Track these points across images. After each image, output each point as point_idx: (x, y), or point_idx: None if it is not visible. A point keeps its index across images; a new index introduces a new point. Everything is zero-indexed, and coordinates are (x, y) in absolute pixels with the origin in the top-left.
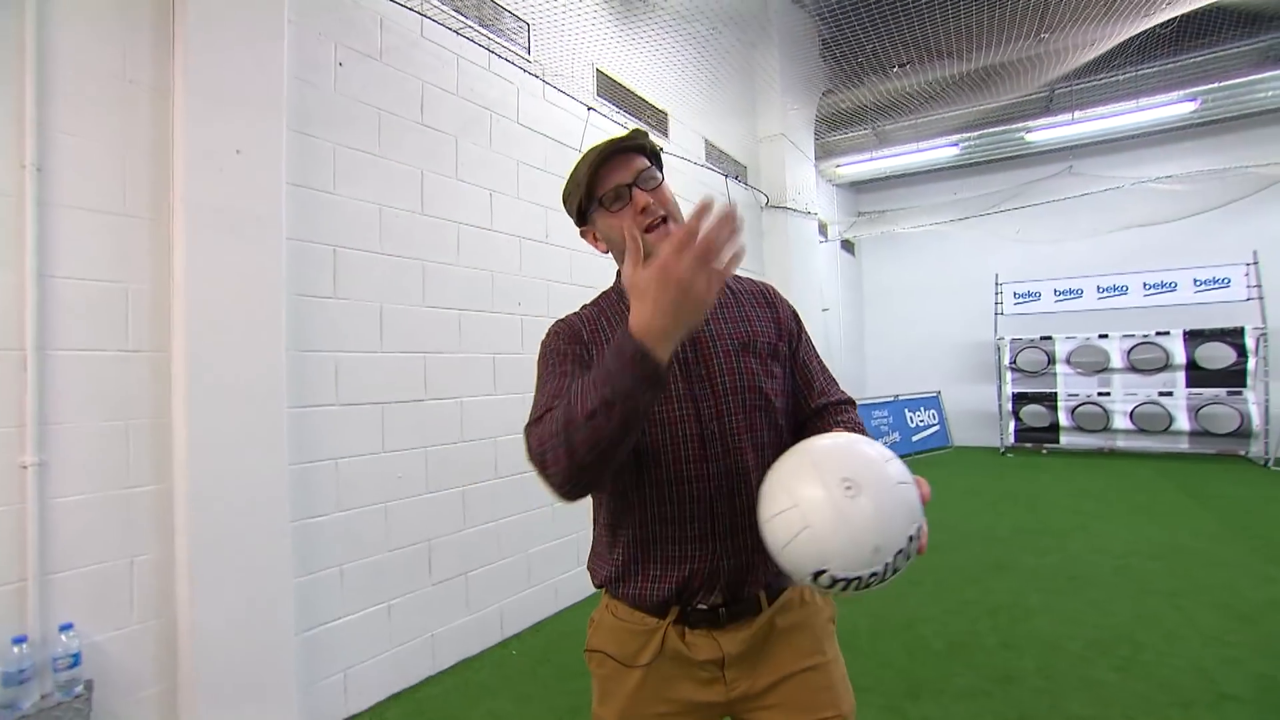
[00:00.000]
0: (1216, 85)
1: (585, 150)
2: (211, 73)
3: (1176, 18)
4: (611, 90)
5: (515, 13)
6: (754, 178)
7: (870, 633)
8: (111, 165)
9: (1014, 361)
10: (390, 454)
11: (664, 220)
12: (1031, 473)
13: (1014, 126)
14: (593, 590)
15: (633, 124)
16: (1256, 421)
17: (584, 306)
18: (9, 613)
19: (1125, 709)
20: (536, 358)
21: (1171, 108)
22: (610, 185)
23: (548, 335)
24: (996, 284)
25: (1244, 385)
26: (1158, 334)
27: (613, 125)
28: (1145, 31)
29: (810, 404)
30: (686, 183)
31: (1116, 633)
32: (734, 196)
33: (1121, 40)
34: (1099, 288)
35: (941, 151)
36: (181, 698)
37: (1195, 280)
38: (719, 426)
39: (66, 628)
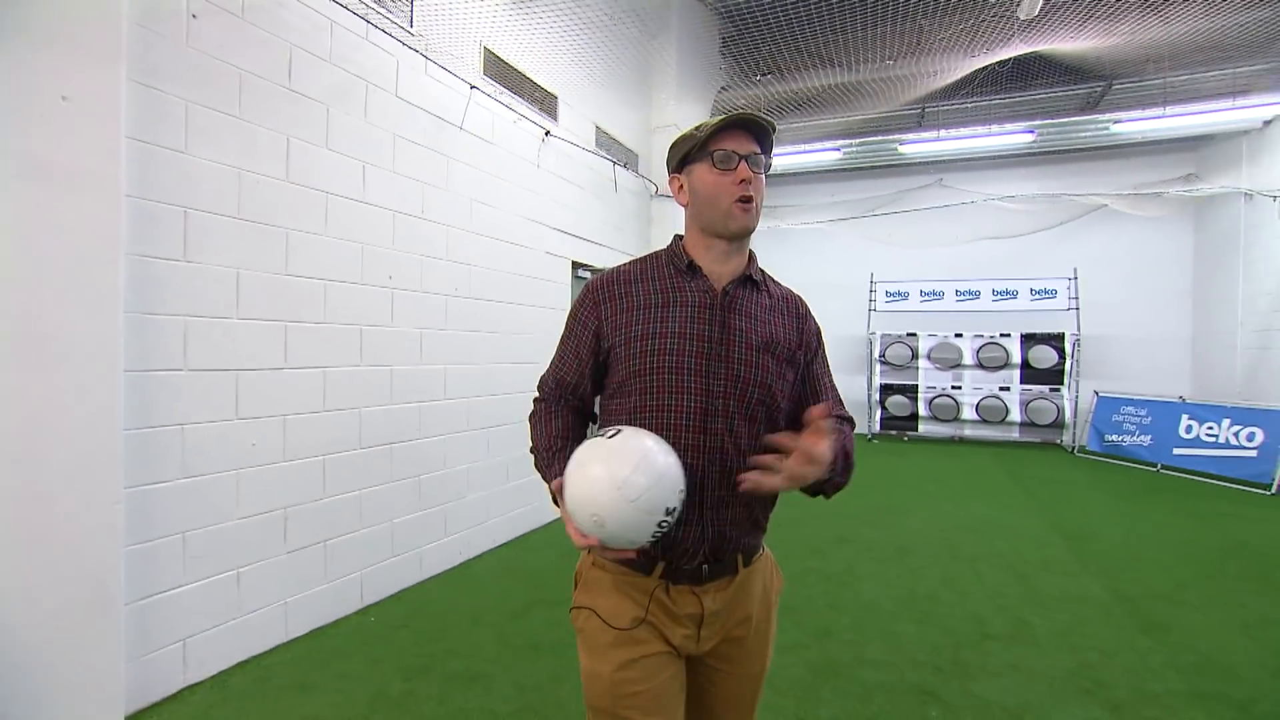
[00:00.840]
0: (1049, 121)
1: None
2: (33, 9)
3: (1012, 58)
4: (499, 70)
5: None
6: (645, 166)
7: None
8: None
9: (883, 355)
10: (245, 421)
11: (749, 201)
12: (891, 458)
13: (889, 138)
14: (460, 559)
15: (520, 105)
16: (1069, 414)
17: (633, 261)
18: None
19: (913, 653)
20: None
21: (1015, 136)
22: (728, 146)
23: (585, 288)
24: (871, 282)
25: (1062, 383)
26: (1001, 335)
27: (498, 105)
28: (989, 66)
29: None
30: (574, 167)
31: (923, 592)
32: (621, 183)
33: (970, 71)
34: (957, 291)
35: (825, 155)
36: None
37: (1031, 290)
38: (723, 407)
39: None
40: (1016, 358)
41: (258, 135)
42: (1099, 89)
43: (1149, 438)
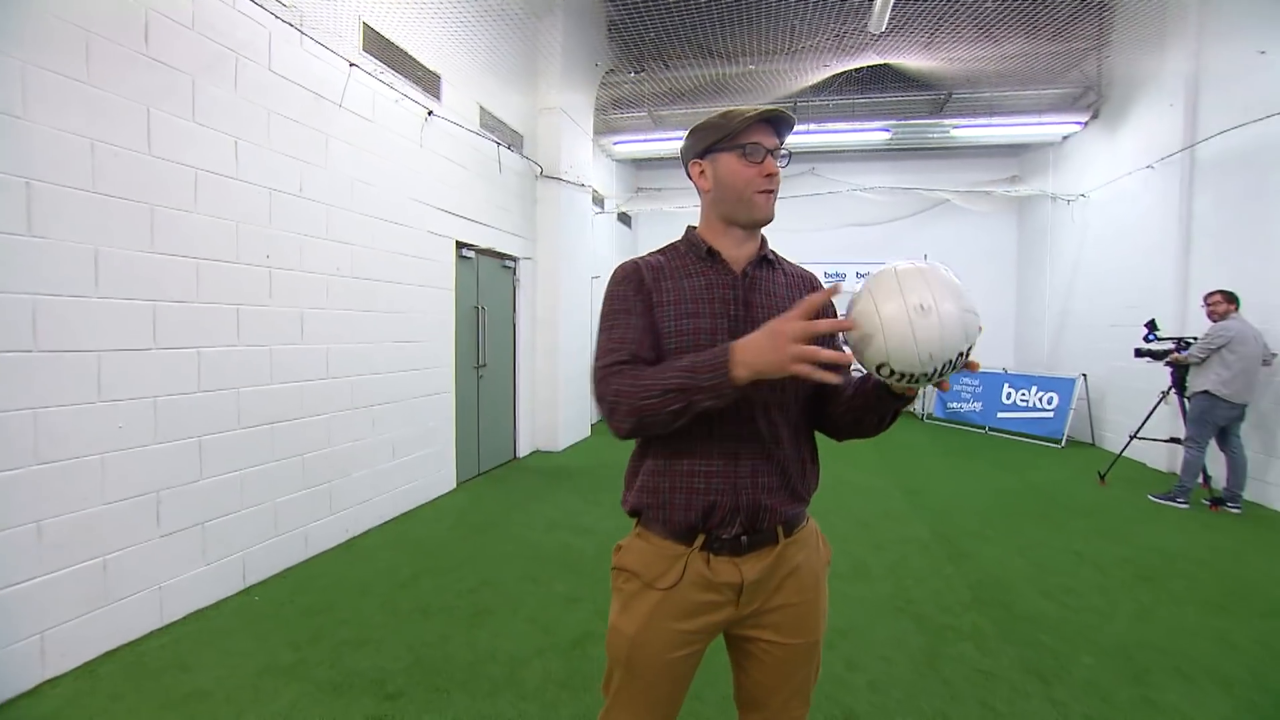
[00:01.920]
0: (902, 122)
1: (735, 107)
2: None
3: (867, 66)
4: (379, 46)
5: None
6: (530, 147)
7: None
8: None
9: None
10: (108, 404)
11: (771, 192)
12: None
13: None
14: (346, 537)
15: (402, 84)
16: None
17: (651, 253)
18: None
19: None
20: (603, 298)
21: (874, 134)
22: (757, 139)
23: (612, 280)
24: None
25: None
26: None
27: (379, 84)
28: (848, 71)
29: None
30: (458, 147)
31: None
32: (506, 164)
33: (833, 73)
34: (826, 274)
35: None
36: None
37: None
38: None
39: None
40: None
41: (111, 104)
42: (943, 96)
43: (980, 404)
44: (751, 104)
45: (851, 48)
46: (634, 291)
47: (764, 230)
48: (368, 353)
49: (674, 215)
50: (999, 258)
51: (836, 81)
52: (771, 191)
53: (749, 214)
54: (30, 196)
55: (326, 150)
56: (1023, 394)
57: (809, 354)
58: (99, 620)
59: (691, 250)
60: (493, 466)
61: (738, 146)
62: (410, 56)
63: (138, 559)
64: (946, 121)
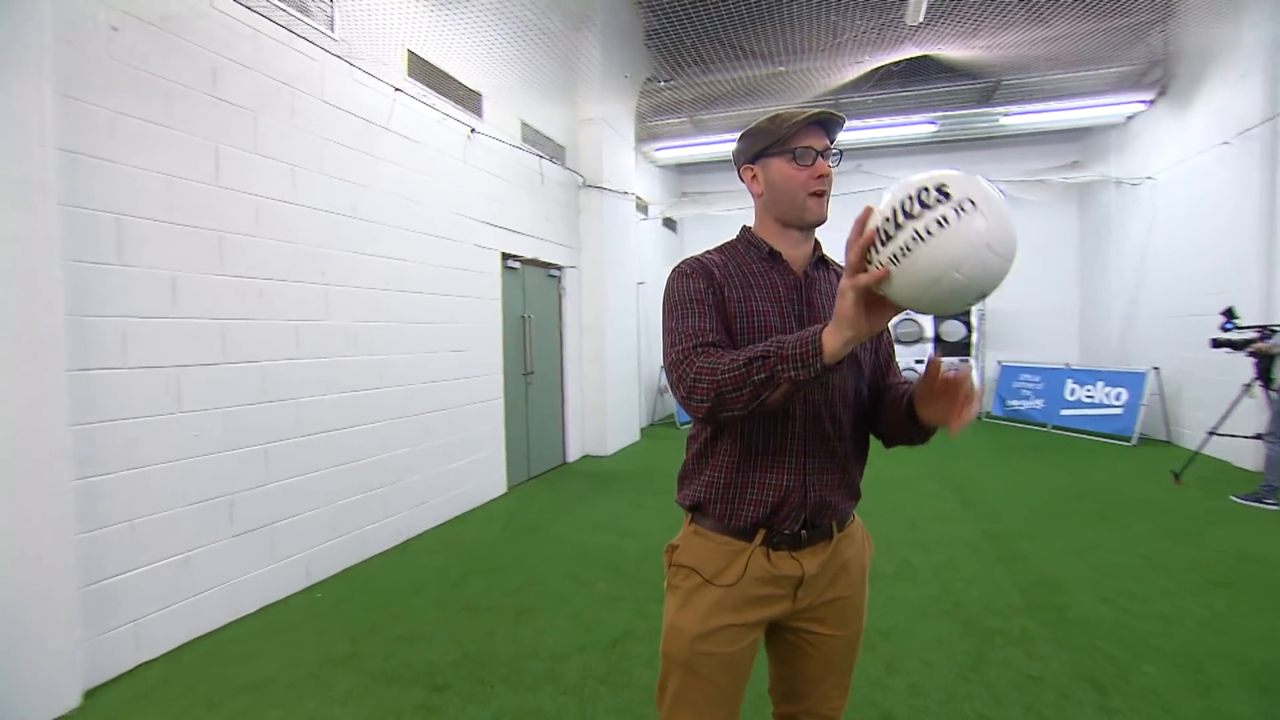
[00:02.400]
0: (949, 113)
1: (784, 110)
2: None
3: (905, 59)
4: (423, 70)
5: None
6: (572, 158)
7: (636, 558)
8: None
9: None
10: (186, 414)
11: (823, 195)
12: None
13: None
14: (401, 539)
15: (445, 105)
16: (976, 383)
17: (709, 252)
18: None
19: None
20: (663, 294)
21: (920, 127)
22: (807, 143)
23: (678, 274)
24: None
25: (969, 354)
26: (915, 312)
27: (423, 106)
28: (885, 65)
29: (888, 378)
30: (500, 162)
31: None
32: (548, 176)
33: (871, 68)
34: None
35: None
36: None
37: None
38: None
39: None
40: (930, 332)
41: (186, 142)
42: (991, 84)
43: (1041, 401)
44: (792, 103)
45: (891, 40)
46: (706, 284)
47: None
48: (419, 363)
49: (719, 219)
50: (1059, 248)
51: (876, 76)
52: (824, 193)
53: (801, 216)
54: (120, 230)
55: (375, 172)
56: (1088, 390)
57: (852, 262)
58: (182, 611)
59: (752, 250)
60: (543, 471)
61: (788, 151)
62: (452, 78)
63: (214, 556)
64: (995, 110)
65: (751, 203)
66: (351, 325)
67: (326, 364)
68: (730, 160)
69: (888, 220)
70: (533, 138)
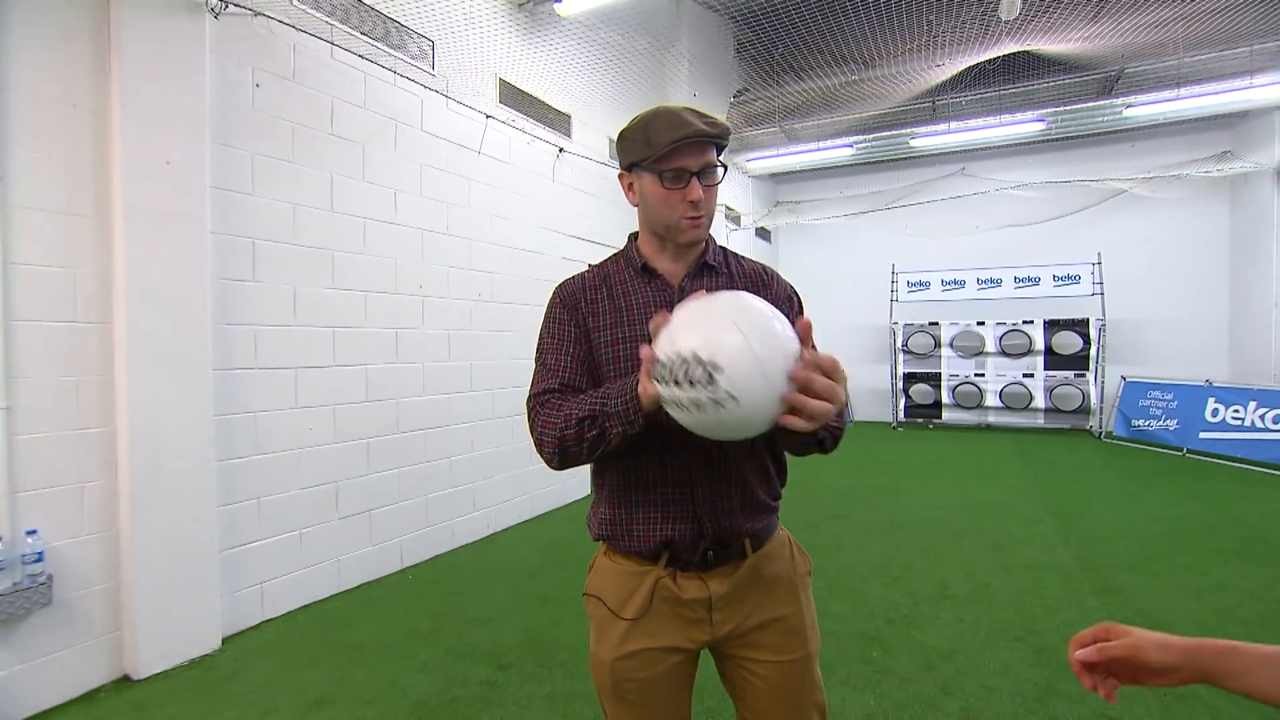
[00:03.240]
0: (1060, 109)
1: (661, 107)
2: (144, 97)
3: (1001, 56)
4: (514, 97)
5: (421, 32)
6: None
7: None
8: (59, 174)
9: (905, 344)
10: (301, 410)
11: (699, 216)
12: (911, 444)
13: (902, 132)
14: (487, 532)
15: (534, 127)
16: (1094, 399)
17: (591, 267)
18: None
19: (873, 609)
20: (543, 315)
21: (1026, 125)
22: (676, 165)
23: (551, 298)
24: (893, 273)
25: (1086, 369)
26: (1024, 322)
27: (512, 130)
28: (981, 63)
29: None
30: (588, 178)
31: (899, 561)
32: None
33: (965, 66)
34: (978, 280)
35: (838, 151)
36: (123, 595)
37: (1054, 276)
38: None
39: (32, 532)
40: (1040, 344)
41: (307, 175)
42: (1112, 73)
43: (1175, 422)
44: (886, 106)
45: (990, 37)
46: (567, 315)
47: (881, 235)
48: (507, 368)
49: (813, 228)
50: (1203, 250)
51: (971, 74)
52: (699, 217)
53: (676, 237)
54: (255, 252)
55: (468, 192)
56: (1235, 411)
57: (643, 354)
58: (298, 580)
59: (629, 264)
60: None
61: (656, 172)
62: (542, 102)
63: (323, 535)
64: (1118, 101)
65: (843, 209)
66: (445, 333)
67: (422, 368)
68: (822, 168)
69: (664, 367)
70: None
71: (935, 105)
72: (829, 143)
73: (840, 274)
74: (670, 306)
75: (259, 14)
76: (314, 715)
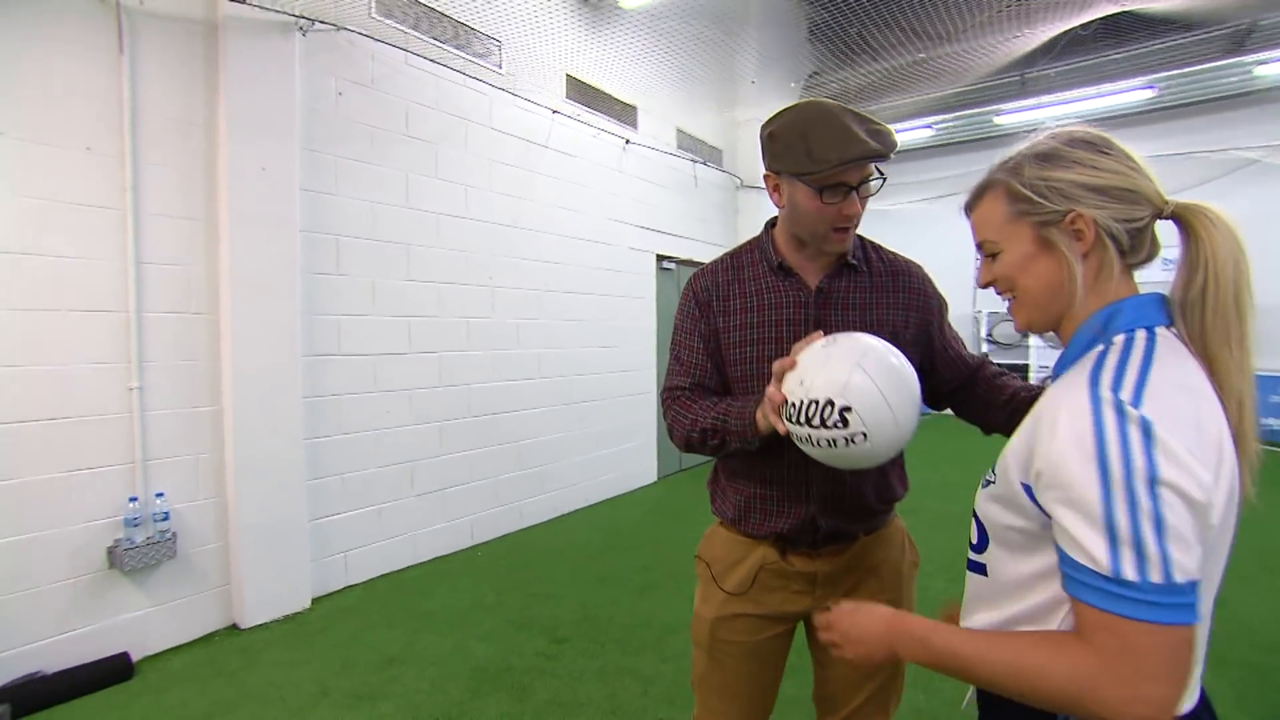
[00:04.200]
0: (1174, 73)
1: (820, 109)
2: (244, 111)
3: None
4: (580, 91)
5: (489, 34)
6: (729, 160)
7: None
8: (177, 184)
9: (989, 334)
10: (380, 394)
11: (848, 230)
12: (992, 438)
13: (985, 109)
14: (554, 514)
15: (600, 120)
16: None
17: (727, 255)
18: (125, 481)
19: (933, 604)
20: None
21: (1131, 94)
22: (842, 180)
23: (685, 289)
24: (976, 260)
25: None
26: None
27: (578, 124)
28: (1094, 21)
29: (966, 370)
30: (654, 168)
31: (961, 556)
32: (703, 179)
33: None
34: None
35: (918, 133)
36: (231, 555)
37: (1164, 260)
38: None
39: (160, 495)
40: None
41: (384, 174)
42: (1241, 27)
43: None
44: (968, 82)
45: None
46: (698, 311)
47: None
48: (575, 356)
49: (891, 214)
50: None
51: (1063, 41)
52: (848, 229)
53: (820, 246)
54: (338, 247)
55: (535, 186)
56: None
57: (770, 393)
58: (376, 551)
59: (764, 258)
60: (695, 464)
61: (816, 188)
62: (608, 95)
63: (400, 511)
64: (1248, 59)
65: (927, 193)
66: (514, 322)
67: (492, 356)
68: (901, 152)
69: (795, 409)
70: (688, 143)
71: (1024, 78)
72: (906, 124)
73: (920, 260)
74: (805, 311)
75: (341, 28)
76: (386, 671)
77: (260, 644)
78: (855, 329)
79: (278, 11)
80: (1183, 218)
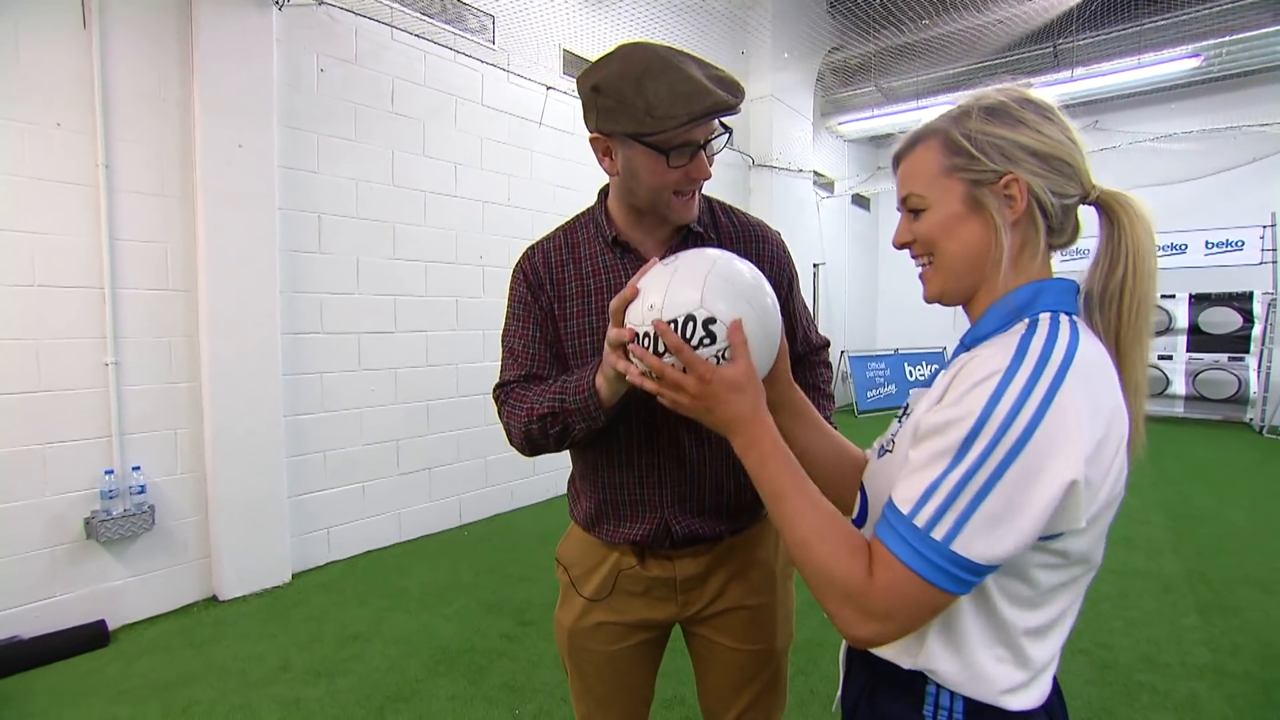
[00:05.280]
0: (1224, 40)
1: (651, 55)
2: (219, 88)
3: None
4: (578, 66)
5: (480, 8)
6: (740, 139)
7: None
8: (151, 161)
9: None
10: (365, 372)
11: (694, 196)
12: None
13: (1015, 83)
14: (546, 496)
15: None
16: (1255, 388)
17: (560, 230)
18: (101, 454)
19: None
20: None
21: (1174, 64)
22: (687, 139)
23: (515, 270)
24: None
25: (1247, 351)
26: (1163, 297)
27: (577, 100)
28: None
29: (804, 348)
30: None
31: None
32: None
33: None
34: None
35: (944, 109)
36: (210, 527)
37: (1207, 243)
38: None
39: (136, 468)
40: (1182, 321)
41: (369, 152)
42: None
43: None
44: (989, 57)
45: None
46: (530, 295)
47: None
48: None
49: None
50: None
51: (1100, 6)
52: (694, 194)
53: (661, 215)
54: (320, 225)
55: (530, 164)
56: None
57: (612, 338)
58: (360, 528)
59: (599, 233)
60: None
61: (659, 150)
62: None
63: (385, 489)
64: None
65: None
66: (505, 301)
67: (481, 334)
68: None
69: (646, 338)
70: None
71: (1056, 49)
72: (931, 100)
73: None
74: None
75: (321, 3)
76: (349, 648)
77: (234, 616)
78: None
79: None
80: (1108, 205)
